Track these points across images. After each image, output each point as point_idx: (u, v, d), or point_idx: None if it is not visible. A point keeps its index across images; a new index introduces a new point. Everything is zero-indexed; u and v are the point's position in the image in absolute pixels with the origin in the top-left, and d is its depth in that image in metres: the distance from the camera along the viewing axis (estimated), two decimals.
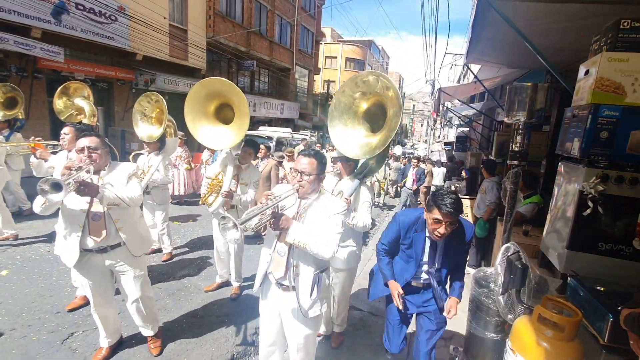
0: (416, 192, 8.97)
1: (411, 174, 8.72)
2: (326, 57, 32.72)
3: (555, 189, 2.23)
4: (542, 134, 4.53)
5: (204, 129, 3.24)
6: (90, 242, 2.23)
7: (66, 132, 3.26)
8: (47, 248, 4.32)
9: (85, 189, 2.03)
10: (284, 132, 11.40)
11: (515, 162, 2.36)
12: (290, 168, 6.05)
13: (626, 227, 1.84)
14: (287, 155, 7.19)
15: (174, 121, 4.79)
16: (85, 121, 4.82)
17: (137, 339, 2.76)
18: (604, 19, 1.97)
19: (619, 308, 1.44)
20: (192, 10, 12.92)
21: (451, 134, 24.62)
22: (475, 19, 2.87)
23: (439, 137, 35.39)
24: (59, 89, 4.84)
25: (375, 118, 2.69)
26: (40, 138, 4.07)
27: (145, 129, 4.19)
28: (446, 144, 20.61)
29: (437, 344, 2.29)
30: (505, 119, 2.45)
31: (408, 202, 8.72)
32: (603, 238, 1.88)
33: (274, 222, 1.71)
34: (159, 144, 4.24)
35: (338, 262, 2.75)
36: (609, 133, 1.81)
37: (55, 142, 4.02)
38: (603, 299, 1.58)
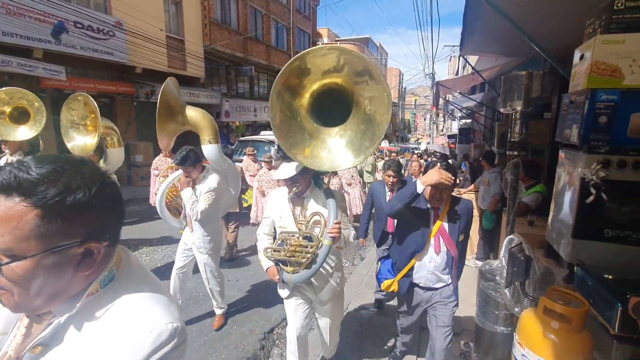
0: None
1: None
2: None
3: (557, 178, 2.19)
4: (544, 122, 4.46)
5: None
6: None
7: None
8: None
9: None
10: None
11: (515, 153, 2.32)
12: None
13: (633, 212, 1.79)
14: (265, 161, 5.83)
15: (116, 127, 4.07)
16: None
17: None
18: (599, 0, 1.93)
19: (628, 296, 1.40)
20: (188, 20, 13.00)
21: (454, 127, 24.46)
22: (466, 10, 2.84)
23: (442, 130, 35.14)
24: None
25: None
26: None
27: (80, 140, 3.60)
28: (450, 136, 20.48)
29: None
30: (502, 109, 2.41)
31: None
32: (609, 225, 1.83)
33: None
34: (98, 156, 3.75)
35: (327, 292, 2.22)
36: (607, 118, 1.76)
37: None
38: (611, 287, 1.54)
